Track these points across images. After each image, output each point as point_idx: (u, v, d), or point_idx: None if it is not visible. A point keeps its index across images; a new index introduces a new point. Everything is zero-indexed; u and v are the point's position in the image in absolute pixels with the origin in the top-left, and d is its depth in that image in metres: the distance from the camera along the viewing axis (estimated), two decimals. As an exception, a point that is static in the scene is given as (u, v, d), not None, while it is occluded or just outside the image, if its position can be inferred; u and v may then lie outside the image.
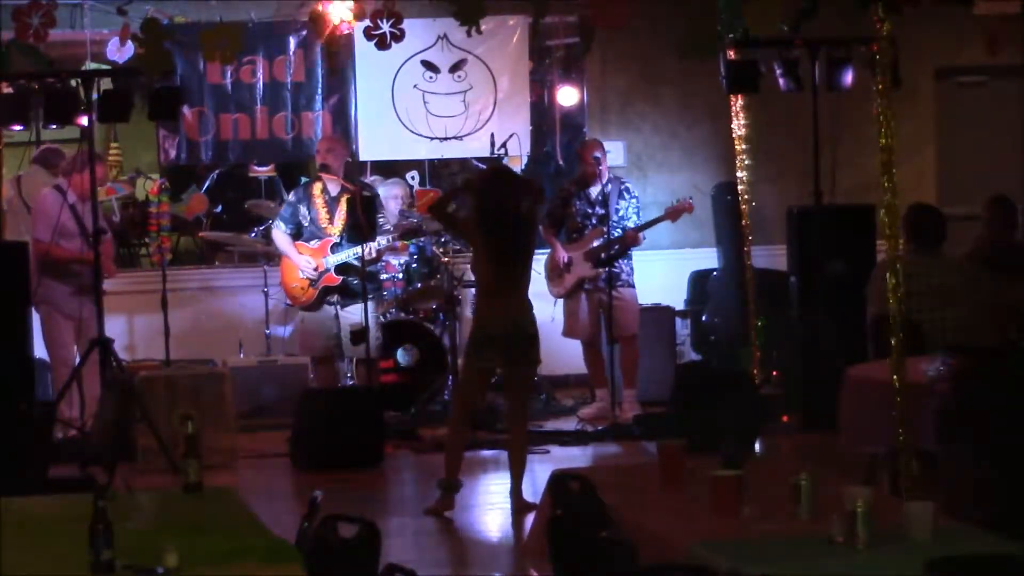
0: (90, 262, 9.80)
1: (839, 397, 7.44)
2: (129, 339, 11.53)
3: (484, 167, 9.23)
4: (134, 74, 9.88)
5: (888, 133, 6.66)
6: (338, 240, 10.36)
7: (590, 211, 10.73)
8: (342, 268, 10.36)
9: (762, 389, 10.45)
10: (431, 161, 12.27)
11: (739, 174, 11.08)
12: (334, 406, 9.65)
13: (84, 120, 9.69)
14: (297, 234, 10.43)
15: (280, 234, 10.46)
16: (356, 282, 10.32)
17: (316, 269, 10.33)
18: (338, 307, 10.35)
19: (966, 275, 7.92)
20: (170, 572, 4.13)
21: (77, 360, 9.91)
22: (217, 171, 12.70)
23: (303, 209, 10.42)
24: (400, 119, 11.96)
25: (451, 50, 11.97)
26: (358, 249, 10.17)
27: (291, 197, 10.63)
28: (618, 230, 10.64)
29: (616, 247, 10.62)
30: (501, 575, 7.16)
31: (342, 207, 10.36)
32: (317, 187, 10.45)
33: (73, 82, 9.65)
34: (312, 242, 10.41)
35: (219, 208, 12.65)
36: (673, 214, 10.82)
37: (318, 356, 10.62)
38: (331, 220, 10.39)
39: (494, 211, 8.16)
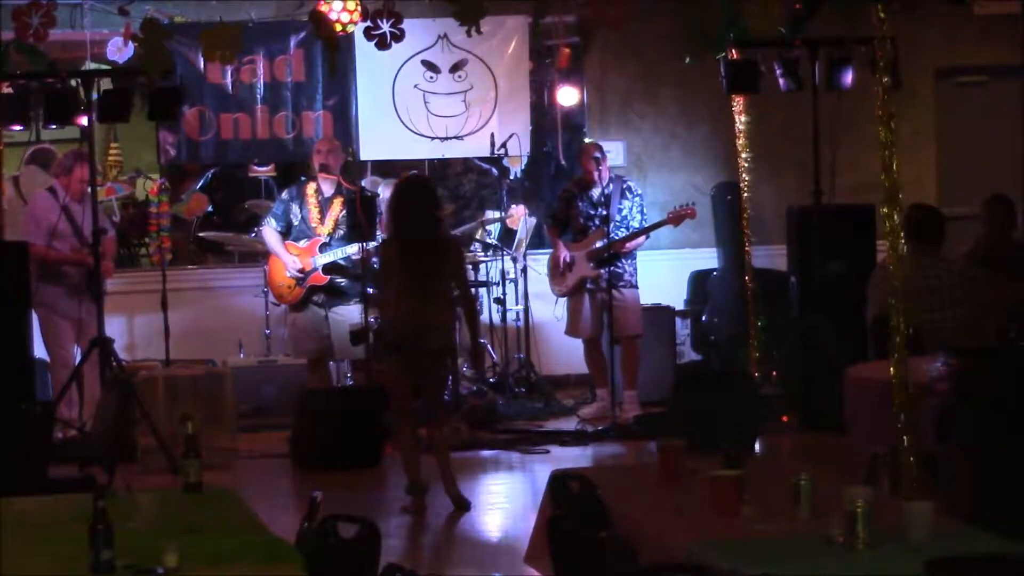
0: (82, 263, 9.84)
1: (843, 397, 7.44)
2: (129, 339, 11.54)
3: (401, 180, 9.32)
4: (134, 74, 9.87)
5: (888, 132, 6.65)
6: (327, 240, 10.38)
7: (592, 212, 10.73)
8: (330, 268, 10.38)
9: (762, 389, 10.45)
10: (431, 161, 12.27)
11: (740, 174, 11.08)
12: (334, 406, 9.65)
13: (84, 120, 9.69)
14: (287, 232, 10.45)
15: (270, 231, 10.49)
16: (343, 282, 10.34)
17: (301, 270, 10.34)
18: (326, 308, 10.37)
19: (966, 275, 7.92)
20: (170, 572, 4.13)
21: (77, 361, 9.92)
22: (211, 172, 12.67)
23: (295, 208, 10.45)
24: (401, 119, 11.96)
25: (451, 50, 11.97)
26: (347, 249, 10.22)
27: (283, 195, 10.65)
28: (621, 230, 10.64)
29: (611, 251, 10.62)
30: (501, 575, 7.16)
31: (335, 208, 10.40)
32: (311, 187, 10.48)
33: (73, 82, 9.66)
34: (301, 241, 10.43)
35: (210, 208, 12.62)
36: (675, 219, 10.80)
37: (311, 358, 10.62)
38: (322, 220, 10.41)
39: (405, 222, 8.26)
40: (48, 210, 10.06)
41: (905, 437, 6.56)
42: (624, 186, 10.82)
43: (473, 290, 11.43)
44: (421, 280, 8.21)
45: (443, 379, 8.62)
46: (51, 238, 9.90)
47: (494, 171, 12.02)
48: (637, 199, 10.82)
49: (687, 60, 11.48)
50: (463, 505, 8.36)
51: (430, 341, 8.26)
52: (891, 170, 6.62)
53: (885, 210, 6.61)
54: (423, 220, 8.26)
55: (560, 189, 11.27)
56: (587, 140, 11.88)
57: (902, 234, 6.68)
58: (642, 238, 10.76)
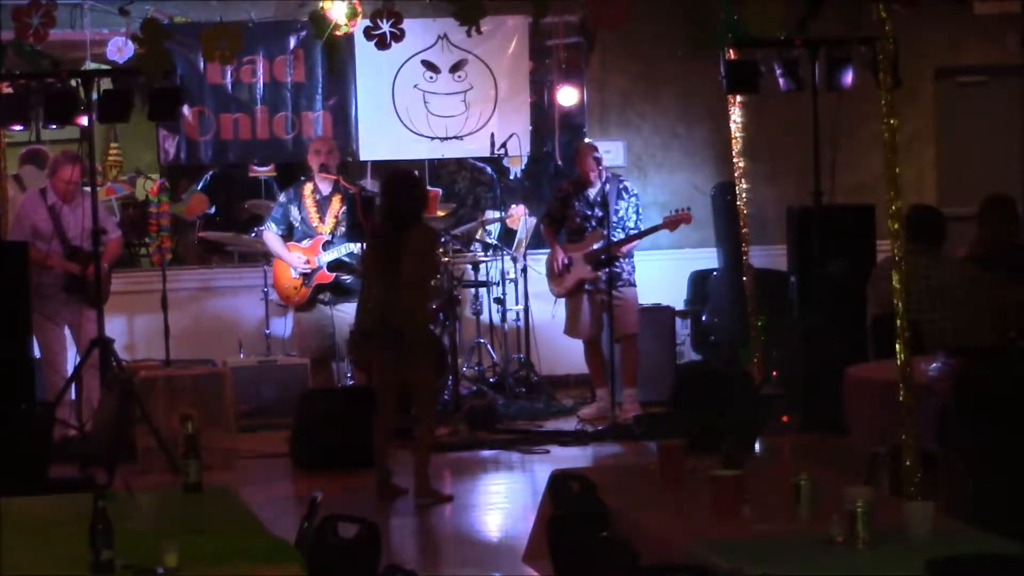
0: (53, 268, 9.85)
1: (843, 397, 7.43)
2: (129, 339, 11.54)
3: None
4: (134, 74, 9.87)
5: (891, 132, 6.65)
6: (329, 238, 10.41)
7: (589, 212, 10.72)
8: (334, 266, 10.40)
9: (762, 389, 10.44)
10: (431, 161, 12.27)
11: (738, 175, 11.08)
12: (334, 406, 9.65)
13: (84, 120, 9.69)
14: (288, 235, 10.49)
15: (271, 236, 10.54)
16: (349, 280, 10.36)
17: (308, 263, 10.38)
18: (331, 306, 10.39)
19: (966, 275, 7.92)
20: (170, 572, 4.13)
21: (71, 364, 9.92)
22: (210, 172, 12.65)
23: (294, 210, 10.48)
24: (400, 119, 11.96)
25: (451, 50, 11.97)
26: (350, 246, 10.25)
27: (281, 198, 10.68)
28: (619, 231, 10.63)
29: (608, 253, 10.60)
30: (501, 575, 7.16)
31: (334, 206, 10.43)
32: (308, 187, 10.51)
33: (73, 82, 9.66)
34: (303, 241, 10.48)
35: (212, 210, 12.61)
36: (671, 224, 10.80)
37: (315, 357, 10.64)
38: (322, 219, 10.46)
39: (383, 212, 8.70)
40: (32, 209, 10.10)
41: (905, 437, 6.55)
42: (620, 186, 10.81)
43: (473, 290, 11.55)
44: (388, 267, 8.51)
45: (424, 372, 8.65)
46: (33, 237, 9.90)
47: (488, 169, 12.01)
48: (633, 199, 10.82)
49: (681, 54, 11.48)
50: (432, 496, 8.51)
51: (394, 326, 8.46)
52: (894, 169, 6.62)
53: (893, 208, 6.61)
54: (397, 211, 8.54)
55: (557, 189, 11.26)
56: (585, 140, 11.87)
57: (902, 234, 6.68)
58: (624, 249, 10.73)
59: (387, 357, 8.60)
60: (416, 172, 12.07)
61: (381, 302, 8.61)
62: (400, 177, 8.98)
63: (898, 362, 6.51)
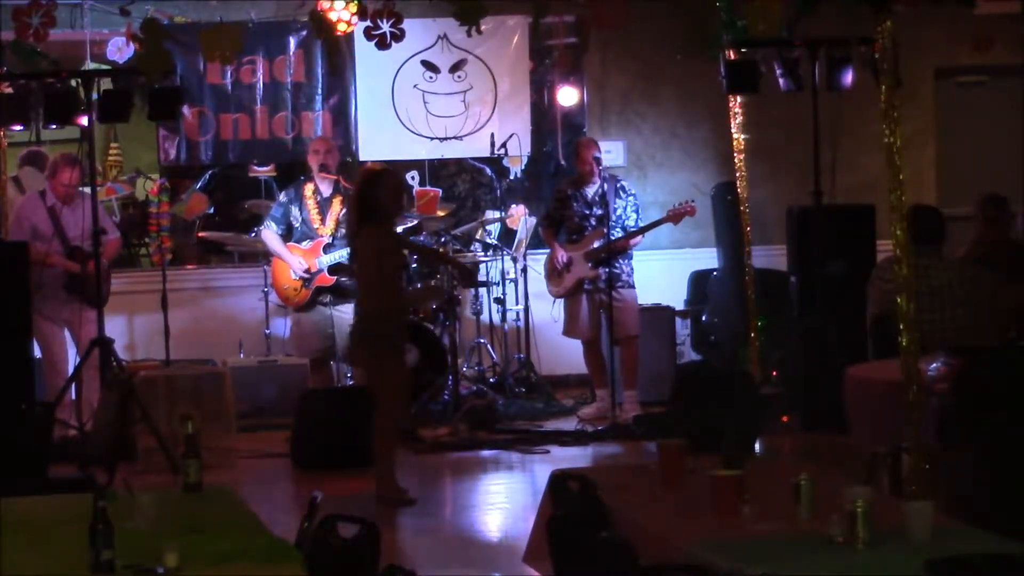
0: (54, 266, 9.85)
1: (843, 397, 7.43)
2: (129, 339, 11.54)
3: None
4: (134, 74, 9.87)
5: (893, 132, 6.65)
6: (330, 240, 10.41)
7: (588, 212, 10.72)
8: (335, 268, 10.40)
9: (762, 389, 10.44)
10: (431, 161, 12.27)
11: (738, 174, 11.08)
12: (334, 406, 9.65)
13: (84, 120, 9.69)
14: (288, 235, 10.47)
15: (271, 234, 10.51)
16: (349, 282, 10.36)
17: (308, 271, 10.37)
18: (331, 307, 10.39)
19: (966, 275, 7.92)
20: (170, 572, 4.13)
21: (71, 364, 9.92)
22: (210, 172, 12.65)
23: (294, 210, 10.46)
24: (400, 119, 11.96)
25: (451, 50, 11.98)
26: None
27: (282, 198, 10.66)
28: (618, 229, 10.63)
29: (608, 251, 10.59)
30: (501, 575, 7.16)
31: (334, 208, 10.42)
32: (309, 188, 10.49)
33: (73, 82, 9.66)
34: (304, 243, 10.45)
35: (210, 209, 12.62)
36: (675, 217, 10.80)
37: (313, 358, 10.64)
38: (323, 221, 10.43)
39: (348, 217, 9.11)
40: (32, 210, 10.11)
41: (908, 437, 6.55)
42: (618, 185, 10.80)
43: (473, 290, 11.54)
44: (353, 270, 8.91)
45: (376, 374, 8.55)
46: (33, 238, 9.90)
47: (488, 170, 12.01)
48: (631, 198, 10.81)
49: (680, 55, 11.46)
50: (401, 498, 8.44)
51: (355, 329, 8.66)
52: (896, 169, 6.62)
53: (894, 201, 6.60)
54: (352, 213, 8.67)
55: (556, 189, 11.25)
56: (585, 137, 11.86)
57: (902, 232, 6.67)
58: (640, 236, 10.76)
59: (354, 355, 8.89)
60: (408, 170, 12.15)
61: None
62: (359, 177, 8.92)
63: (900, 361, 6.51)
